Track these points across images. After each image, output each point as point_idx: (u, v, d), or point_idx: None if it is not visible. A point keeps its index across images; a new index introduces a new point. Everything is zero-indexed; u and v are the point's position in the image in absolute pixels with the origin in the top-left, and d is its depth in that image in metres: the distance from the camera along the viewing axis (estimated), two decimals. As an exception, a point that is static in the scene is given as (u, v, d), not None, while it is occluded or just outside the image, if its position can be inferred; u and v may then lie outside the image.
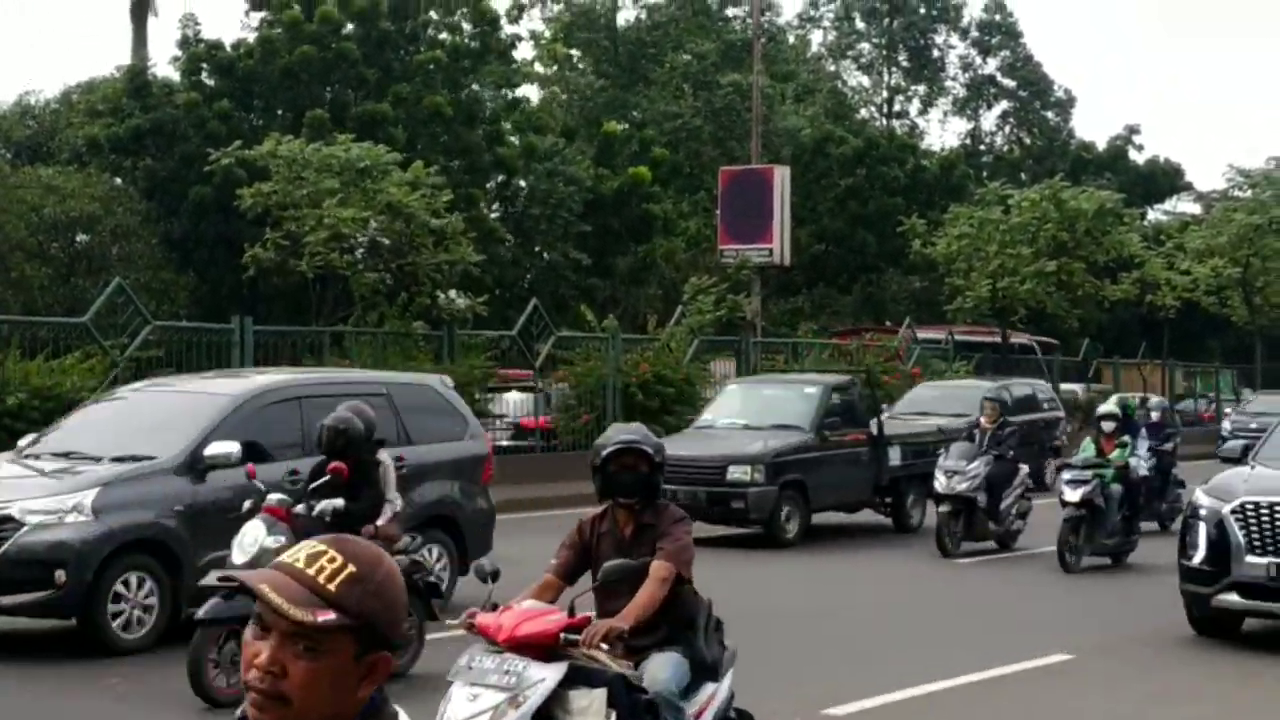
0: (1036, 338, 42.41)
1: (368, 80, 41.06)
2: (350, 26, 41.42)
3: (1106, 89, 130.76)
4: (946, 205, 43.75)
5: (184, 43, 41.45)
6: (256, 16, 43.56)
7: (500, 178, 43.96)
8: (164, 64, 44.39)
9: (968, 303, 35.62)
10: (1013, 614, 14.05)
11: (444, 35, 44.30)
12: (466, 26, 44.83)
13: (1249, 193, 45.14)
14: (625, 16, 58.82)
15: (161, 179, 38.51)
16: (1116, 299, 38.00)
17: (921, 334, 36.45)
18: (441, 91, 41.36)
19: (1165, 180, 68.97)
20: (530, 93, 54.22)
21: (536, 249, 44.37)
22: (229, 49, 41.06)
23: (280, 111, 40.13)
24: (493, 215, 42.56)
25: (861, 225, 52.96)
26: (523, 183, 43.50)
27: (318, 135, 27.96)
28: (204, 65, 40.98)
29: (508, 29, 47.32)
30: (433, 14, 44.77)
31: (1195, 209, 61.79)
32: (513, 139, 43.83)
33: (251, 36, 42.06)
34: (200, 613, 9.46)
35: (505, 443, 25.59)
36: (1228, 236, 42.60)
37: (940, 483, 17.78)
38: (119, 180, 39.39)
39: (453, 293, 26.60)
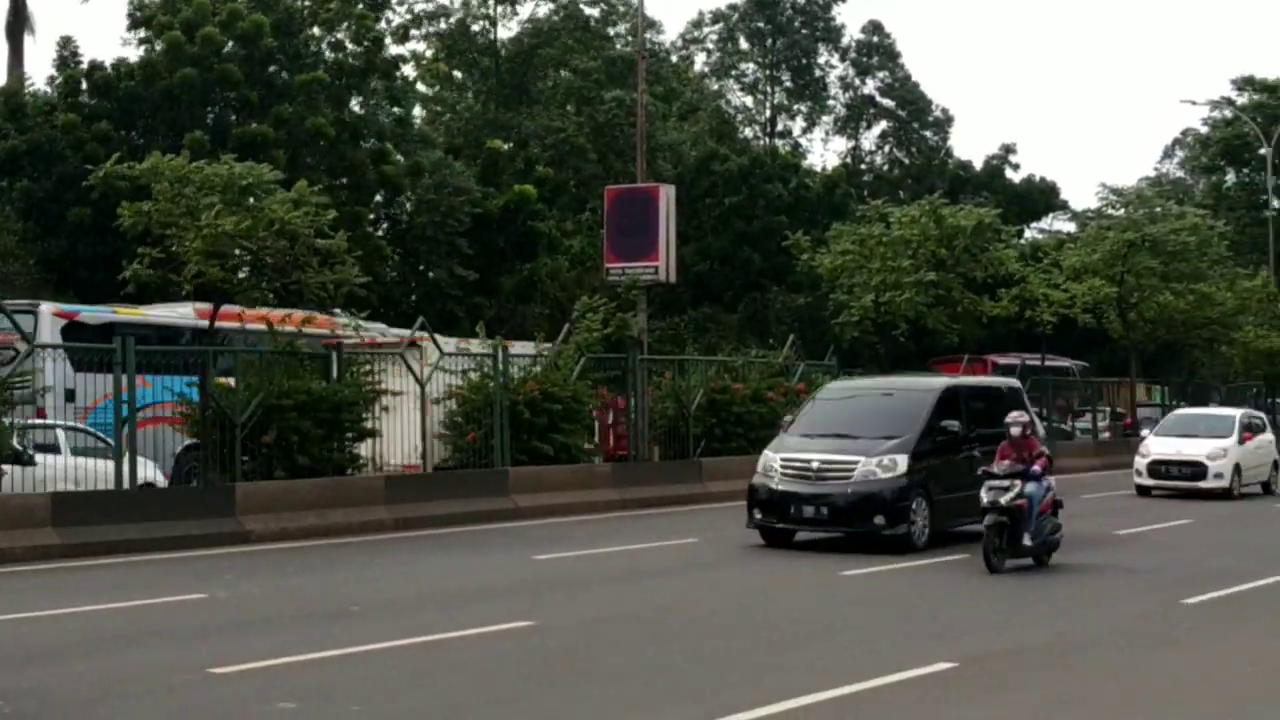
0: (1077, 361, 50.93)
1: (250, 101, 40.75)
2: (231, 45, 41.10)
3: (983, 108, 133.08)
4: (829, 223, 44.20)
5: (62, 64, 40.92)
6: (136, 35, 43.10)
7: (384, 195, 43.84)
8: (41, 83, 43.79)
9: (853, 316, 36.01)
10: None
11: (328, 53, 44.10)
12: (350, 45, 44.66)
13: (1122, 211, 46.03)
14: (505, 35, 58.88)
15: (39, 199, 37.98)
16: (994, 314, 38.57)
17: (1003, 360, 42.81)
18: (325, 111, 41.15)
19: (1041, 199, 70.25)
20: (414, 112, 54.08)
21: (422, 267, 44.28)
22: (109, 69, 40.58)
23: (161, 133, 39.76)
24: (378, 234, 42.40)
25: (746, 243, 53.39)
26: (409, 194, 43.34)
27: (198, 157, 27.73)
28: (83, 86, 40.48)
29: (392, 49, 47.22)
30: (316, 30, 44.57)
31: (1070, 227, 62.96)
32: (398, 157, 43.72)
33: (132, 55, 41.60)
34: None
35: (394, 461, 25.55)
36: (1101, 254, 43.39)
37: None
38: (-6, 201, 38.74)
39: (337, 311, 26.40)
